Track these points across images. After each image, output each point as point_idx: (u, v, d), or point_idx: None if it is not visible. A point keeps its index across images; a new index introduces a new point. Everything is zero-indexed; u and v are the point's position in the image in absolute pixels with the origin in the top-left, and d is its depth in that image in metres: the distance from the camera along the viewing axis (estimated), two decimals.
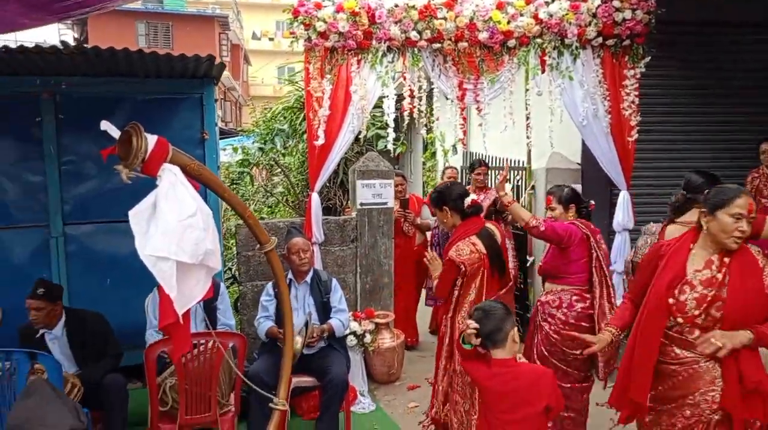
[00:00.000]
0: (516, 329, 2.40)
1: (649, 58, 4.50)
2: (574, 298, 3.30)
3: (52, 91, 4.10)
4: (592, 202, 3.57)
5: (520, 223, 3.43)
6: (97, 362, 3.43)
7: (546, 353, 3.32)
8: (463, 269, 3.03)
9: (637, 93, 4.52)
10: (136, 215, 1.83)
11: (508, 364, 2.34)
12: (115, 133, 1.83)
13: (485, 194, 5.34)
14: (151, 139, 1.82)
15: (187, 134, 4.41)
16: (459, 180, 5.93)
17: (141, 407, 3.58)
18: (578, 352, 3.20)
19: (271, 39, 27.83)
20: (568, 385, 3.28)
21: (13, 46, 3.62)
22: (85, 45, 3.73)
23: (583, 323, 3.25)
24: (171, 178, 1.86)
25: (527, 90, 4.67)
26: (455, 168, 6.05)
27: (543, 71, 4.43)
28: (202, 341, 3.13)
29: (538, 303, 3.47)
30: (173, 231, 1.80)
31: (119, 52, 3.62)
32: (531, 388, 2.30)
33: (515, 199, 5.06)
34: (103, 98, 4.24)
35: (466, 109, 4.76)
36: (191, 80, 4.42)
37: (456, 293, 3.10)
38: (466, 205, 3.12)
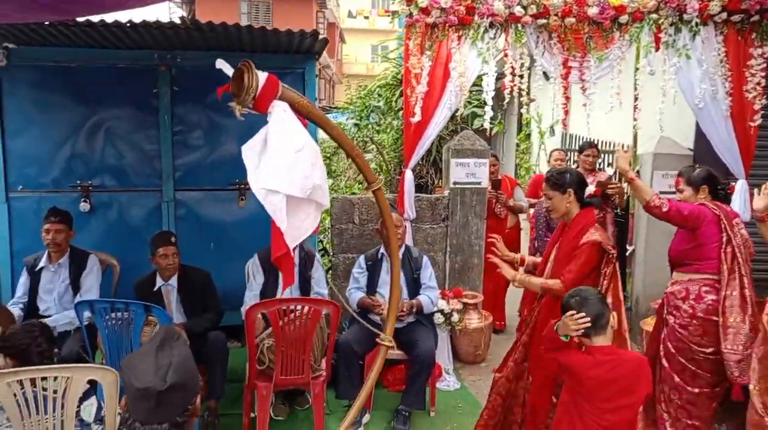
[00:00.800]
0: (615, 314, 2.33)
1: None
2: (704, 288, 2.97)
3: (168, 64, 4.35)
4: (733, 183, 3.25)
5: (641, 202, 3.13)
6: (202, 315, 3.66)
7: (673, 350, 3.04)
8: (611, 253, 2.79)
9: (764, 74, 4.14)
10: (248, 150, 1.90)
11: (611, 351, 2.26)
12: (229, 70, 1.91)
13: (593, 177, 5.12)
14: (262, 76, 1.87)
15: None
16: (567, 162, 5.72)
17: (239, 365, 3.81)
18: (709, 350, 2.94)
19: (366, 17, 28.00)
20: (696, 389, 2.99)
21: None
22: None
23: (714, 318, 2.93)
24: (281, 114, 1.91)
25: (637, 69, 4.41)
26: (563, 150, 5.83)
27: (657, 49, 4.16)
28: (299, 307, 3.25)
29: (665, 294, 3.19)
30: (283, 165, 1.85)
31: (230, 27, 3.77)
32: (634, 375, 2.23)
33: (617, 184, 4.83)
34: (212, 72, 4.43)
35: (569, 88, 4.57)
36: (295, 55, 4.54)
37: (605, 283, 2.80)
38: (586, 194, 2.97)
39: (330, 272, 5.03)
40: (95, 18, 3.60)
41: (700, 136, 4.60)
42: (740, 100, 4.18)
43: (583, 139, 6.04)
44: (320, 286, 4.02)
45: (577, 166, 5.25)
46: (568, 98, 4.49)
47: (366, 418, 3.74)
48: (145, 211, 4.52)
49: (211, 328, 3.66)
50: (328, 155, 7.31)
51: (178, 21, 3.81)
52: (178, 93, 4.45)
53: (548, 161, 6.00)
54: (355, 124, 6.71)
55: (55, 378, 2.22)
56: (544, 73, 4.49)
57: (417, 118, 4.37)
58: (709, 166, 4.18)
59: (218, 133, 4.58)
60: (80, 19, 3.54)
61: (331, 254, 5.24)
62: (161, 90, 4.39)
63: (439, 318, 4.36)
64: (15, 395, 2.18)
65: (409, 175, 4.58)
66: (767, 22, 4.08)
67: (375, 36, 30.04)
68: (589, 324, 2.23)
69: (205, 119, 4.55)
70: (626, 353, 2.38)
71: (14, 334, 2.40)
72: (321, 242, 6.47)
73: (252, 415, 3.54)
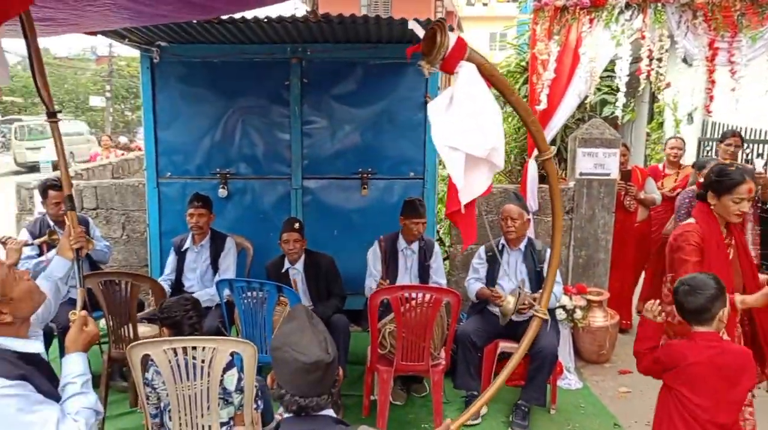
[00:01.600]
0: (726, 309, 2.22)
1: None
2: None
3: (300, 57, 4.55)
4: None
5: None
6: (326, 300, 3.83)
7: None
8: None
9: None
10: (434, 108, 1.99)
11: (714, 338, 2.20)
12: (421, 31, 1.99)
13: None
14: (452, 37, 1.92)
15: (412, 97, 4.59)
16: (685, 152, 5.28)
17: (360, 349, 3.94)
18: None
19: (485, 4, 27.43)
20: None
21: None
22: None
23: None
24: (467, 75, 1.96)
25: None
26: (681, 138, 5.39)
27: None
28: (420, 294, 3.29)
29: None
30: (466, 125, 1.92)
31: (358, 19, 3.85)
32: (739, 367, 2.16)
33: (763, 174, 4.35)
34: (339, 63, 4.60)
35: (714, 72, 4.19)
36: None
37: None
38: None
39: (447, 262, 5.03)
40: (236, 15, 3.85)
41: None
42: None
43: (727, 127, 5.53)
44: (439, 275, 4.04)
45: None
46: (713, 82, 4.12)
47: (483, 410, 3.71)
48: (275, 198, 4.78)
49: (336, 312, 3.81)
50: None
51: (318, 13, 3.95)
52: (307, 85, 4.63)
53: (663, 150, 5.55)
54: None
55: (203, 348, 2.43)
56: (684, 56, 4.15)
57: (542, 106, 4.24)
58: None
59: (343, 123, 4.72)
60: (223, 17, 3.80)
61: (449, 244, 5.24)
62: (292, 82, 4.60)
63: (561, 314, 4.21)
64: (170, 361, 2.41)
65: (532, 165, 4.46)
66: None
67: (493, 23, 29.42)
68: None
69: (332, 110, 4.70)
70: (731, 344, 2.30)
71: (170, 306, 2.65)
72: (437, 232, 6.49)
73: (372, 397, 3.65)
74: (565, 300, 4.24)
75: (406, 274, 4.00)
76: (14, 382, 1.62)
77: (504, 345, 3.73)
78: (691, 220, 2.72)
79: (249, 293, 3.38)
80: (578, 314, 4.30)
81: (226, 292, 3.52)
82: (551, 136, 4.47)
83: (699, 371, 2.15)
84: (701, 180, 3.30)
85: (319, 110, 4.70)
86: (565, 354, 4.31)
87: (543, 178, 6.11)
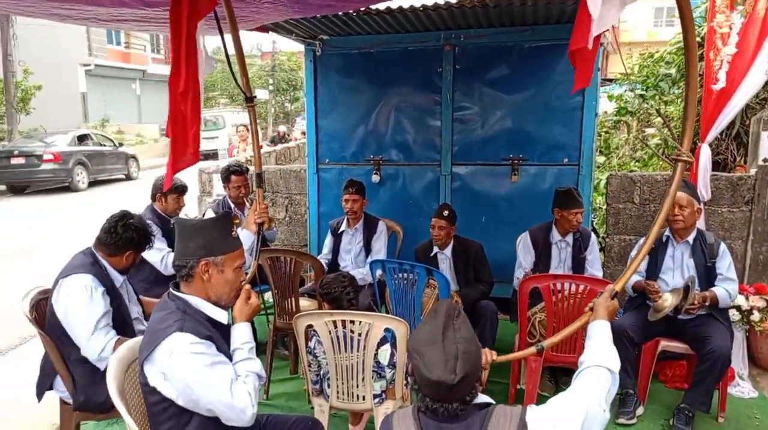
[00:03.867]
0: None
1: None
2: None
3: (453, 44, 4.56)
4: None
5: None
6: (474, 285, 3.84)
7: None
8: None
9: None
10: None
11: None
12: None
13: None
14: None
15: (568, 80, 4.38)
16: None
17: (507, 336, 3.90)
18: None
19: None
20: None
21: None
22: None
23: None
24: None
25: None
26: None
27: None
28: (573, 284, 3.18)
29: None
30: None
31: (515, 1, 3.77)
32: None
33: None
34: (492, 48, 4.54)
35: None
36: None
37: None
38: None
39: (602, 253, 4.77)
40: (393, 5, 3.95)
41: None
42: None
43: None
44: (595, 268, 3.86)
45: None
46: None
47: (640, 410, 3.50)
48: (424, 184, 4.88)
49: (482, 297, 3.81)
50: (606, 130, 6.88)
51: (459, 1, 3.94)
52: (459, 71, 4.64)
53: None
54: (640, 95, 6.14)
55: (360, 323, 2.58)
56: None
57: (720, 84, 3.84)
58: None
59: (494, 109, 4.67)
60: (380, 7, 3.92)
61: (605, 234, 4.97)
62: (445, 69, 4.64)
63: (734, 315, 3.81)
64: (330, 332, 2.60)
65: (705, 150, 4.06)
66: None
67: None
68: None
69: (483, 96, 4.67)
70: None
71: (330, 282, 2.84)
72: (592, 222, 6.17)
73: (518, 386, 3.61)
74: (740, 300, 3.83)
75: (559, 267, 3.87)
76: (202, 340, 1.85)
77: (666, 343, 3.47)
78: None
79: (400, 274, 3.49)
80: (755, 316, 3.85)
81: (379, 272, 3.68)
82: (730, 117, 4.01)
83: None
84: None
85: (471, 96, 4.69)
86: (738, 359, 3.90)
87: (717, 165, 5.54)
